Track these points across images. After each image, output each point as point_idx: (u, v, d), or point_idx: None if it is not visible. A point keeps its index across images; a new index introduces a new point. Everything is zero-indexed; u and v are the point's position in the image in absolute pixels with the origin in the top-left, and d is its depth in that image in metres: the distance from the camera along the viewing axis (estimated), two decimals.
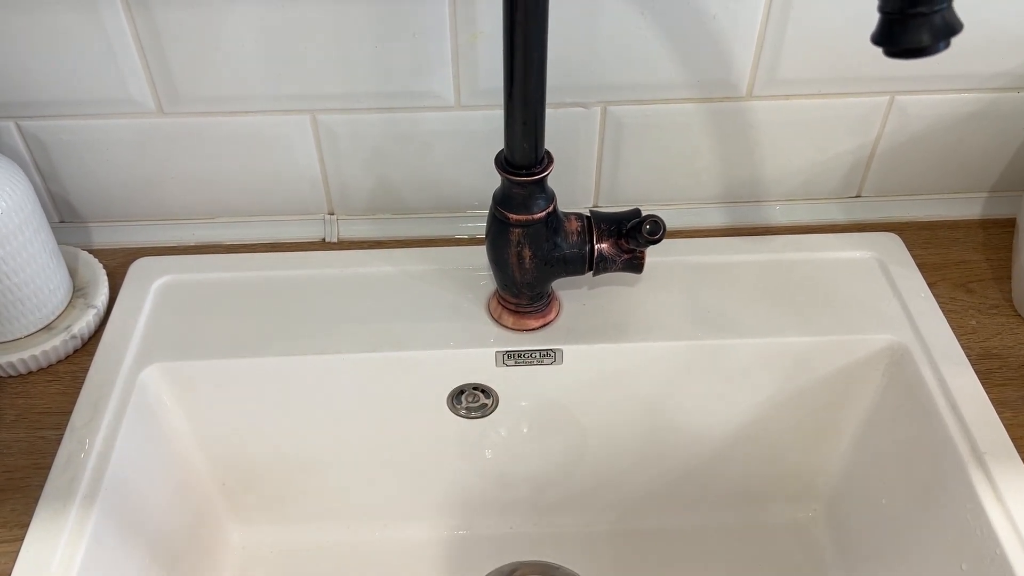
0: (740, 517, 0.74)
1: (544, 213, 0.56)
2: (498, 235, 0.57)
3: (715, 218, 0.71)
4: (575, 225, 0.58)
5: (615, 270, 0.59)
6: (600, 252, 0.57)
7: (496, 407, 0.66)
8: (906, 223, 0.72)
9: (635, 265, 0.58)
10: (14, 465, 0.56)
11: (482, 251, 0.67)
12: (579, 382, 0.64)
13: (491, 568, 0.71)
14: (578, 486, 0.72)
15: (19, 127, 0.64)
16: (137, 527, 0.58)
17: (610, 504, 0.73)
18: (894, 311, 0.64)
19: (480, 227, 0.70)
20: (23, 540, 0.51)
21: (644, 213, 0.55)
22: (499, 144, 0.55)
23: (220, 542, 0.71)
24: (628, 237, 0.55)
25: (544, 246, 0.57)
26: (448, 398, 0.65)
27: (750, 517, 0.74)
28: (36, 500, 0.53)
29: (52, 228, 0.63)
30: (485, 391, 0.65)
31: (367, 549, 0.72)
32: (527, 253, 0.57)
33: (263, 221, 0.71)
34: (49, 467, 0.55)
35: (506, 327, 0.63)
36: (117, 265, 0.68)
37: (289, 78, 0.62)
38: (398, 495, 0.72)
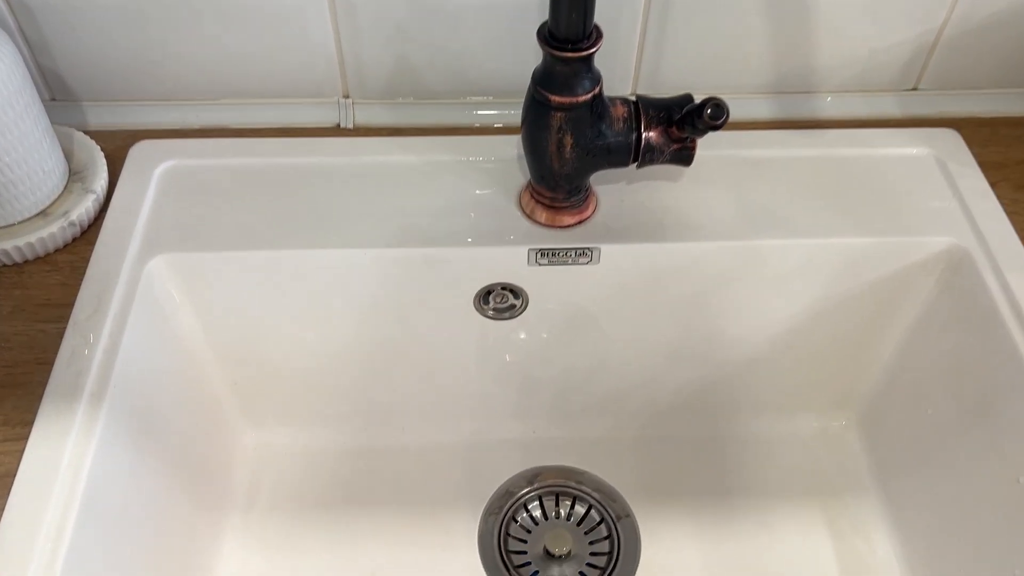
0: (770, 425, 0.71)
1: (590, 95, 0.51)
2: (537, 119, 0.52)
3: (763, 110, 0.66)
4: (621, 111, 0.53)
5: (661, 162, 0.54)
6: (648, 141, 0.53)
7: (525, 308, 0.62)
8: (965, 119, 0.67)
9: (684, 156, 0.54)
10: (14, 360, 0.52)
11: (514, 141, 0.62)
12: (614, 283, 0.60)
13: (513, 474, 0.69)
14: (605, 391, 0.69)
15: None
16: (147, 427, 0.54)
17: (637, 410, 0.71)
18: (953, 212, 0.60)
19: (513, 116, 0.65)
20: (27, 439, 0.48)
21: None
22: (537, 20, 0.49)
23: (233, 444, 0.68)
24: (682, 124, 0.50)
25: (587, 133, 0.52)
26: (475, 298, 0.61)
27: (780, 426, 0.71)
28: (40, 397, 0.50)
29: (44, 106, 0.57)
30: (514, 291, 0.61)
31: (384, 453, 0.70)
32: (568, 140, 0.52)
33: (272, 104, 0.65)
34: (51, 363, 0.51)
35: (539, 223, 0.58)
36: (116, 148, 0.63)
37: None
38: (418, 398, 0.69)
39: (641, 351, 0.66)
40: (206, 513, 0.63)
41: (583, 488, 0.68)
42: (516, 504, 0.68)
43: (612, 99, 0.53)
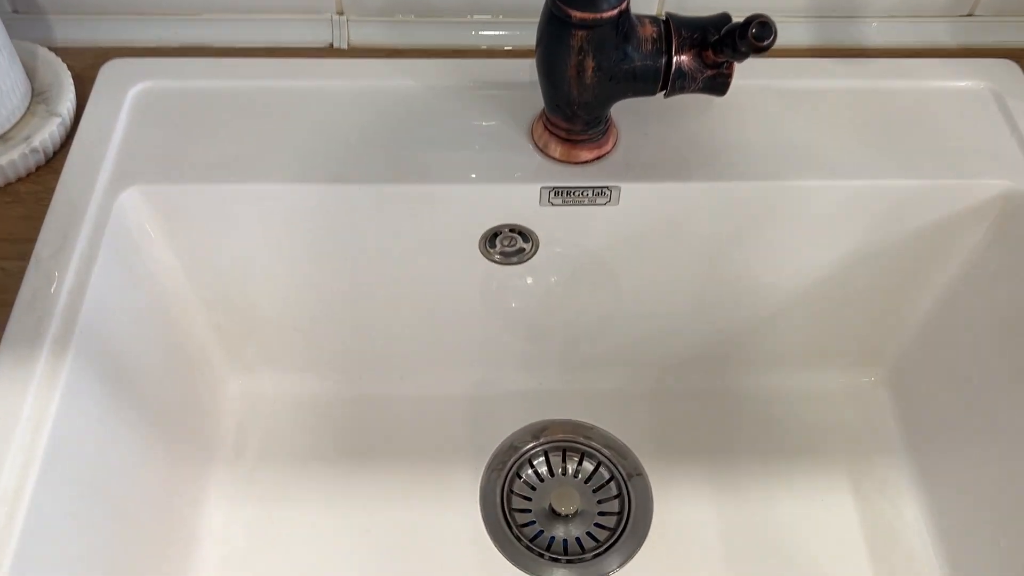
0: (794, 380, 0.67)
1: (615, 11, 0.44)
2: (554, 39, 0.46)
3: (803, 35, 0.60)
4: (650, 31, 0.47)
5: (692, 90, 0.48)
6: (679, 66, 0.47)
7: (535, 252, 0.56)
8: None
9: (719, 84, 0.48)
10: None
11: (526, 65, 0.56)
12: (634, 226, 0.55)
13: (518, 428, 0.65)
14: (618, 341, 0.65)
15: None
16: (119, 375, 0.50)
17: (652, 362, 0.66)
18: (1011, 152, 0.54)
19: (523, 36, 0.59)
20: None
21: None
22: None
23: (218, 392, 0.64)
24: (720, 46, 0.44)
25: (612, 56, 0.46)
26: (481, 240, 0.55)
27: (805, 381, 0.67)
28: None
29: (2, 19, 0.51)
30: (524, 234, 0.55)
31: (381, 403, 0.65)
32: (589, 64, 0.46)
33: (259, 19, 0.59)
34: (11, 304, 0.46)
35: (553, 158, 0.53)
36: (85, 67, 0.57)
37: None
38: (417, 346, 0.64)
39: (660, 299, 0.61)
40: (188, 467, 0.59)
41: (592, 444, 0.64)
42: (521, 460, 0.64)
43: (640, 17, 0.47)
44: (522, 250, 0.56)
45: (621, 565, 0.59)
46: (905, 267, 0.58)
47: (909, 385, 0.64)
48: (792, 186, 0.53)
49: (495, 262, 0.57)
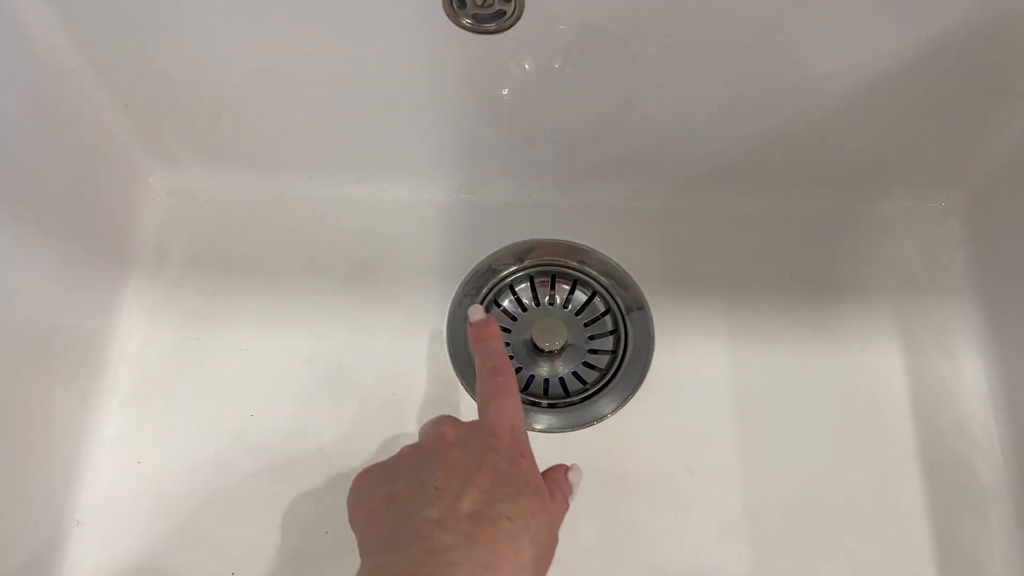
0: (840, 201, 0.54)
1: None
2: None
3: None
4: None
5: None
6: None
7: (518, 17, 0.43)
8: None
9: None
10: None
11: None
12: None
13: (498, 247, 0.54)
14: (626, 146, 0.52)
15: None
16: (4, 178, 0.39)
17: (666, 174, 0.54)
18: None
19: None
20: None
21: None
22: None
23: (135, 187, 0.53)
24: None
25: None
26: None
27: (855, 201, 0.54)
28: None
29: None
30: None
31: (333, 208, 0.54)
32: None
33: None
34: None
35: None
36: None
37: None
38: (376, 140, 0.52)
39: (681, 93, 0.48)
40: (96, 277, 0.49)
41: (587, 270, 0.53)
42: (500, 285, 0.53)
43: None
44: (501, 13, 0.43)
45: (613, 412, 0.49)
46: (1000, 60, 0.44)
47: (989, 215, 0.51)
48: None
49: (465, 28, 0.43)
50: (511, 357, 0.51)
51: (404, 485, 0.34)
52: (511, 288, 0.53)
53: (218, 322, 0.51)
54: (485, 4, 0.42)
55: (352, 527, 0.35)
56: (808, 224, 0.54)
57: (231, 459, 0.47)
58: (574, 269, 0.53)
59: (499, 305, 0.53)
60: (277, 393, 0.49)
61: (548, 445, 0.48)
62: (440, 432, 0.37)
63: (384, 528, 0.33)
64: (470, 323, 0.43)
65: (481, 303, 0.52)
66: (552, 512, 0.35)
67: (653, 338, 0.51)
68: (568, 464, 0.38)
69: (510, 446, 0.36)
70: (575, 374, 0.51)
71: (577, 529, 0.45)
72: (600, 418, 0.49)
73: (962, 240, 0.53)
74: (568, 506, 0.37)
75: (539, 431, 0.48)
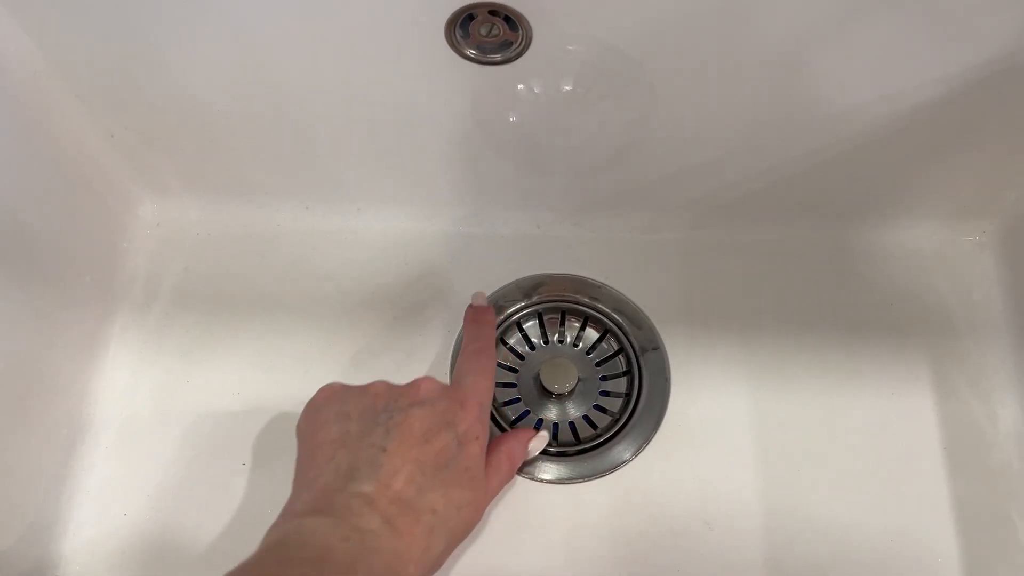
0: (871, 235, 0.51)
1: None
2: None
3: None
4: None
5: None
6: None
7: (526, 46, 0.40)
8: None
9: None
10: None
11: None
12: (673, 13, 0.38)
13: (505, 282, 0.51)
14: (639, 177, 0.49)
15: None
16: None
17: (682, 205, 0.51)
18: None
19: None
20: None
21: None
22: None
23: (123, 219, 0.50)
24: None
25: None
26: (448, 27, 0.39)
27: (886, 235, 0.51)
28: None
29: None
30: (510, 18, 0.39)
31: (332, 240, 0.52)
32: None
33: None
34: None
35: None
36: None
37: None
38: (377, 170, 0.49)
39: (702, 120, 0.45)
40: (82, 313, 0.46)
41: (598, 306, 0.50)
42: (507, 322, 0.50)
43: None
44: (508, 43, 0.40)
45: (626, 462, 0.46)
46: None
47: None
48: None
49: (469, 59, 0.40)
50: (517, 399, 0.49)
51: (359, 428, 0.36)
52: (518, 325, 0.51)
53: (209, 362, 0.48)
54: (490, 34, 0.39)
55: (297, 435, 0.38)
56: (834, 258, 0.51)
57: (222, 512, 0.45)
58: (585, 305, 0.50)
59: (506, 343, 0.50)
60: (271, 441, 0.47)
61: (556, 499, 0.45)
62: (417, 382, 0.39)
63: (322, 475, 0.35)
64: (469, 305, 0.46)
65: None
66: (480, 504, 0.37)
67: (669, 380, 0.48)
68: (536, 431, 0.43)
69: (470, 426, 0.38)
70: (586, 418, 0.48)
71: None
72: (614, 467, 0.46)
73: (997, 276, 0.50)
74: (513, 475, 0.41)
75: (547, 481, 0.46)
